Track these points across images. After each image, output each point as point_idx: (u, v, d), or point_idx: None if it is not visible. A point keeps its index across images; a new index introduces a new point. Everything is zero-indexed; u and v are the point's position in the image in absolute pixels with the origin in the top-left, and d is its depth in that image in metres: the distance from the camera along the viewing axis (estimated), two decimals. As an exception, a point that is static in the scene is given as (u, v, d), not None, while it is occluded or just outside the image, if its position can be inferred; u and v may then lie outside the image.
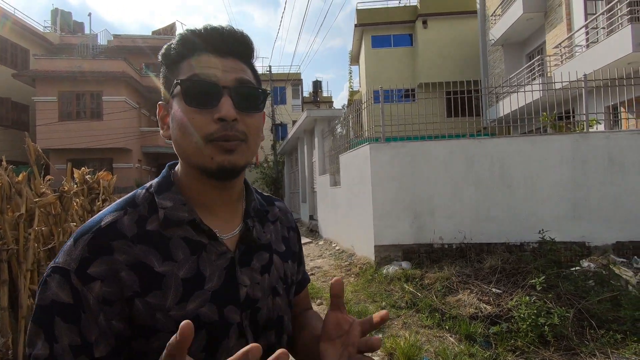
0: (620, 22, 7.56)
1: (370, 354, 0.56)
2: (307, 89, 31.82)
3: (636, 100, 5.71)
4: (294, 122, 16.08)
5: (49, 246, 2.70)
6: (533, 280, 3.82)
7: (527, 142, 5.33)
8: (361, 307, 4.03)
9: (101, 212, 0.60)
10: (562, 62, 9.57)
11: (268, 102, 17.65)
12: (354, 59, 23.23)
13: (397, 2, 19.27)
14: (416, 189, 5.41)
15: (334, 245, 7.80)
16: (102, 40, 19.05)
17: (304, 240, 9.03)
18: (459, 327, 3.35)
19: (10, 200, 2.38)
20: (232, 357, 0.40)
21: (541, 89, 6.85)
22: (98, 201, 3.60)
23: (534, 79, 9.85)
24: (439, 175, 5.39)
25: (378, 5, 18.89)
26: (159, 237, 0.58)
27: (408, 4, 18.75)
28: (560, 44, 9.73)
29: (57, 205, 2.82)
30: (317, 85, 28.99)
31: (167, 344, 0.41)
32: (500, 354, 2.96)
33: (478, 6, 14.84)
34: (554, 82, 5.91)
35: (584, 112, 5.47)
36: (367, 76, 18.13)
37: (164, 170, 0.67)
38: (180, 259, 0.58)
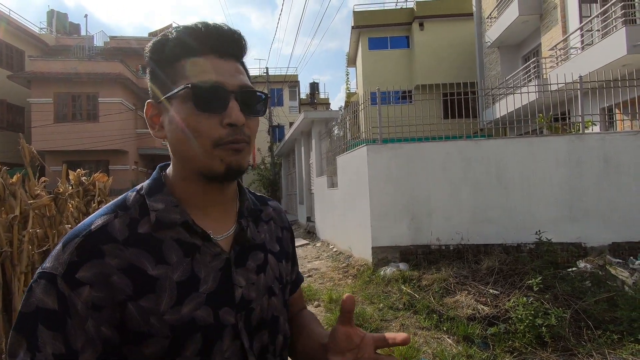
0: (614, 24, 7.62)
1: None
2: (304, 90, 31.79)
3: (631, 102, 5.75)
4: (291, 123, 16.08)
5: (44, 248, 2.67)
6: (530, 281, 3.83)
7: (523, 144, 5.35)
8: (359, 309, 4.01)
9: (91, 215, 0.59)
10: (557, 64, 9.63)
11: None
12: (351, 61, 23.32)
13: (394, 4, 19.36)
14: (413, 190, 5.41)
15: (331, 247, 7.78)
16: (98, 42, 19.01)
17: (301, 242, 9.01)
18: (457, 329, 3.35)
19: (4, 202, 2.36)
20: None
21: (537, 90, 6.88)
22: (94, 203, 3.57)
23: (530, 80, 9.89)
24: (436, 176, 5.40)
25: (375, 7, 19.01)
26: (151, 239, 0.57)
27: (405, 6, 18.83)
28: (555, 46, 9.79)
29: (52, 207, 2.80)
30: (314, 87, 29.07)
31: None
32: (497, 355, 2.96)
33: (474, 9, 14.93)
34: (550, 84, 5.93)
35: (580, 114, 5.51)
36: (364, 78, 18.16)
37: (154, 172, 0.66)
38: (174, 261, 0.57)
